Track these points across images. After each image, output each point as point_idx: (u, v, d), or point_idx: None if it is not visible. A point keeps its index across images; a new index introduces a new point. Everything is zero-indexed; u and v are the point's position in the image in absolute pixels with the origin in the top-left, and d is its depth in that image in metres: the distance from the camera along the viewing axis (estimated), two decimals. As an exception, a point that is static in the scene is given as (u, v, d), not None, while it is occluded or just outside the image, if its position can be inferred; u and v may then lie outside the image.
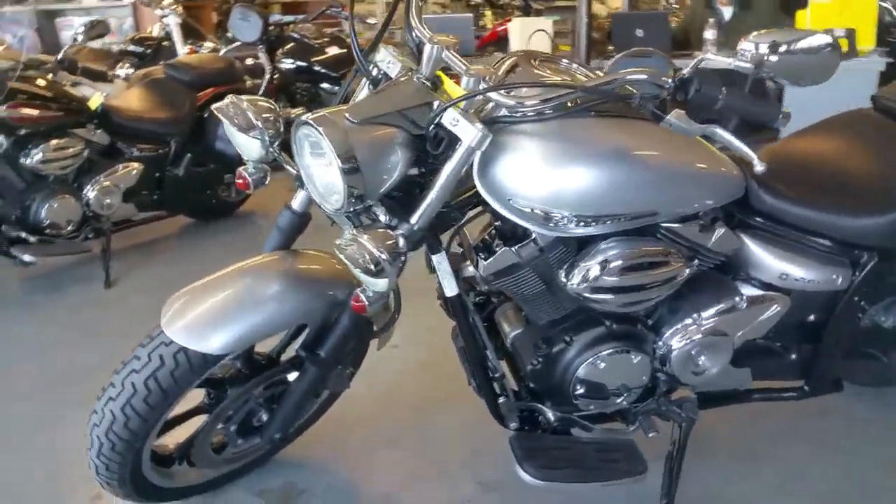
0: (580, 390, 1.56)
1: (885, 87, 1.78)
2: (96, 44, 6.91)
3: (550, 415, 1.61)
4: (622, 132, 1.37)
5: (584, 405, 1.60)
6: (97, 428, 1.38)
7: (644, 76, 1.27)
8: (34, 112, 2.75)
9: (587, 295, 1.42)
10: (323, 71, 4.39)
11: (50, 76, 2.93)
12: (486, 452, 1.86)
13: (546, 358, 1.56)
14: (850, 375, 1.91)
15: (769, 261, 1.60)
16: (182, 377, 1.35)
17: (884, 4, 4.70)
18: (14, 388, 2.23)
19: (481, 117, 1.31)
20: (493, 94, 1.29)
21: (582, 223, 1.34)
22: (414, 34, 1.42)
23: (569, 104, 1.32)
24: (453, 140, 1.30)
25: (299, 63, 4.42)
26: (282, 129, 1.41)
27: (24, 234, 2.89)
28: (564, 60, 1.53)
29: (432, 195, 1.32)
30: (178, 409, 1.52)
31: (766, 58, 1.21)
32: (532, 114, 1.31)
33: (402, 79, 1.35)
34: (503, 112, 1.32)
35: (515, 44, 4.72)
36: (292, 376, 1.57)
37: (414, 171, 1.37)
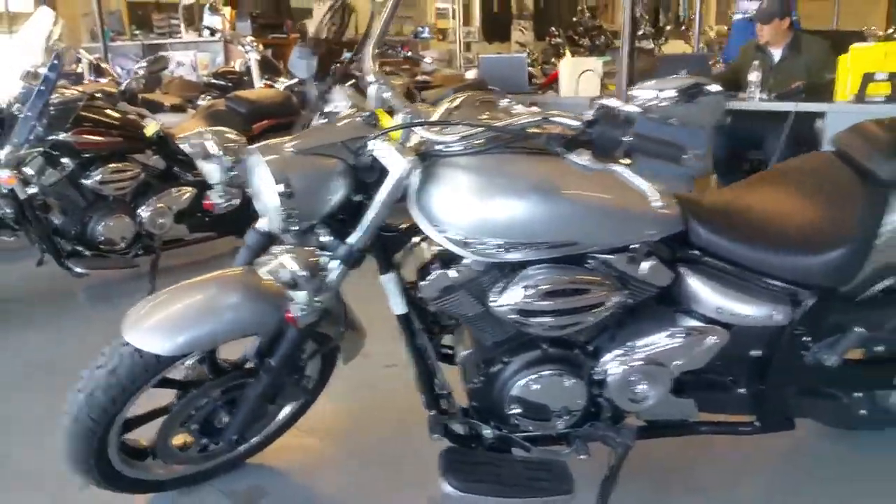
0: (515, 410, 1.65)
1: (844, 130, 1.79)
2: (192, 76, 7.54)
3: (488, 432, 1.70)
4: (541, 168, 1.47)
5: (523, 425, 1.68)
6: (65, 416, 1.57)
7: (554, 118, 1.38)
8: (96, 138, 3.09)
9: (512, 317, 1.53)
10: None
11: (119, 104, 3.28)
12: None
13: (485, 377, 1.67)
14: (812, 414, 1.90)
15: (707, 295, 1.65)
16: (137, 375, 1.53)
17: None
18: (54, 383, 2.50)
19: (418, 151, 1.46)
20: (418, 130, 1.44)
21: (504, 250, 1.45)
22: (365, 75, 1.58)
23: (485, 140, 1.44)
24: (384, 171, 1.45)
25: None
26: (242, 157, 1.60)
27: (80, 248, 3.23)
28: (506, 100, 1.65)
29: (366, 220, 1.47)
30: (150, 406, 1.72)
31: (651, 103, 1.29)
32: (457, 148, 1.44)
33: (345, 115, 1.52)
34: (435, 147, 1.46)
35: (564, 84, 4.85)
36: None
37: (359, 198, 1.53)
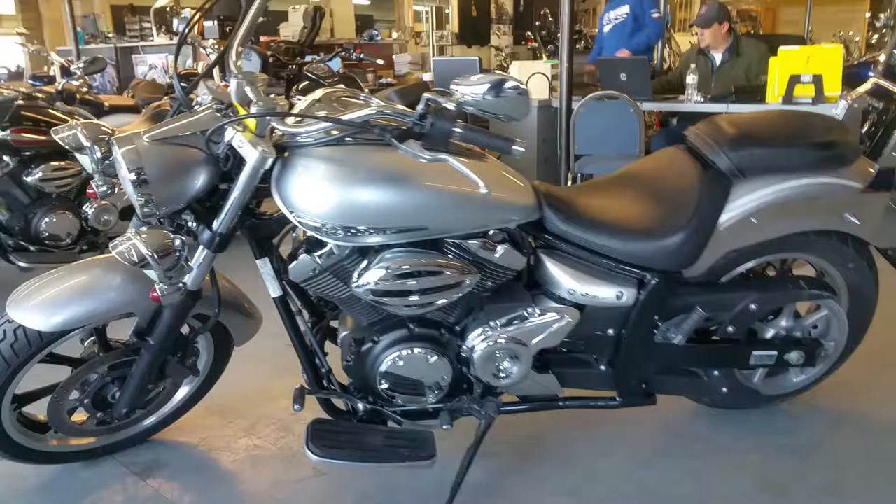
0: (385, 385, 1.77)
1: (695, 125, 1.91)
2: (164, 79, 7.60)
3: (361, 406, 1.82)
4: (381, 158, 1.56)
5: (396, 400, 1.80)
6: None
7: (387, 111, 1.49)
8: (33, 136, 3.21)
9: (371, 298, 1.64)
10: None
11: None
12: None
13: (356, 355, 1.78)
14: (673, 390, 2.02)
15: (561, 278, 1.78)
16: (21, 349, 1.66)
17: None
18: None
19: (276, 143, 1.58)
20: (275, 122, 1.55)
21: (356, 234, 1.57)
22: (228, 71, 1.69)
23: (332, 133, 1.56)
24: (244, 161, 1.57)
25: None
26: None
27: (24, 244, 3.34)
28: (363, 97, 1.77)
29: (228, 206, 1.59)
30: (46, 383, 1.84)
31: (465, 97, 1.41)
32: (307, 140, 1.56)
33: (204, 107, 1.64)
34: (289, 139, 1.58)
35: (513, 85, 4.96)
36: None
37: (225, 186, 1.65)
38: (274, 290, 1.75)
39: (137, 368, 1.80)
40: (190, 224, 1.65)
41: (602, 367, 1.90)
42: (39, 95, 3.37)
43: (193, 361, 1.95)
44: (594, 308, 1.80)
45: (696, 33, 4.71)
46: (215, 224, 1.61)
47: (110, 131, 1.70)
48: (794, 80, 3.81)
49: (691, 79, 4.29)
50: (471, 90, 1.40)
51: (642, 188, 1.86)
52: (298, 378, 1.88)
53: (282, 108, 1.61)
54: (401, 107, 1.51)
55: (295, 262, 1.66)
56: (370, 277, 1.61)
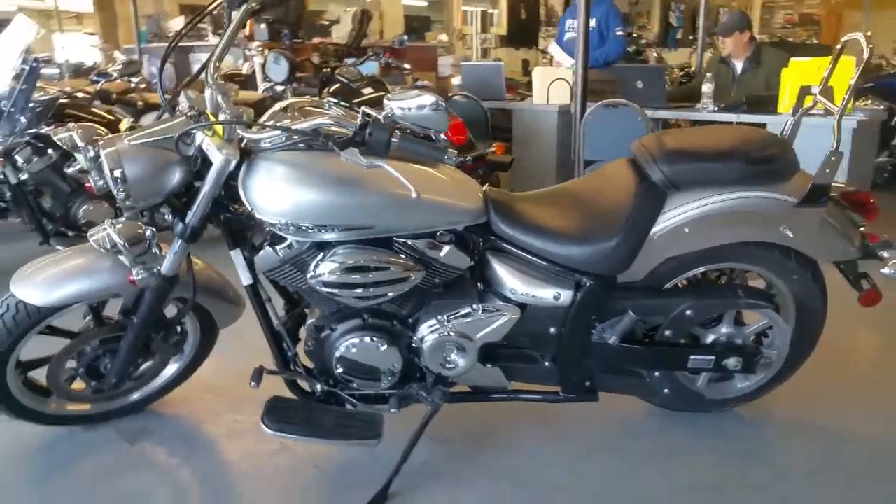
0: (340, 370, 1.94)
1: (640, 138, 2.01)
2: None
3: (319, 388, 2.00)
4: (329, 163, 1.72)
5: (353, 384, 1.97)
6: None
7: (331, 122, 1.66)
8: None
9: (324, 289, 1.82)
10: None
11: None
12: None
13: (316, 341, 1.96)
14: (616, 389, 2.12)
15: (504, 277, 1.92)
16: (21, 321, 1.90)
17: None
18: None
19: (242, 147, 1.77)
20: (240, 129, 1.74)
21: (311, 231, 1.75)
22: (206, 82, 1.88)
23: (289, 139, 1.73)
24: (210, 162, 1.77)
25: (341, 102, 5.03)
26: None
27: (64, 229, 3.66)
28: (326, 106, 1.94)
29: (198, 202, 1.80)
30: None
31: (392, 112, 1.57)
32: (266, 145, 1.75)
33: (180, 114, 1.84)
34: (252, 144, 1.77)
35: (536, 92, 5.09)
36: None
37: (199, 184, 1.85)
38: (245, 279, 1.94)
39: (124, 343, 2.02)
40: (167, 217, 1.86)
41: (546, 364, 2.03)
42: (80, 95, 3.67)
43: (177, 341, 2.17)
44: (535, 307, 1.94)
45: (719, 42, 4.72)
46: (188, 217, 1.82)
47: (103, 133, 1.93)
48: (805, 90, 3.80)
49: (707, 87, 4.33)
50: (397, 105, 1.57)
51: (586, 197, 1.98)
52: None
53: (248, 118, 1.80)
54: (345, 119, 1.67)
55: (260, 254, 1.85)
56: (323, 270, 1.79)
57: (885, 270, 1.94)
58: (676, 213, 1.87)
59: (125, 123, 3.68)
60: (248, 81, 5.97)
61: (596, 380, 2.07)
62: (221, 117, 1.76)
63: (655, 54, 8.30)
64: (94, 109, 3.66)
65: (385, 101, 1.60)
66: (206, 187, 1.77)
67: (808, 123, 3.74)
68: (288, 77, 4.50)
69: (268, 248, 1.84)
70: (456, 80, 5.73)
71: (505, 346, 2.02)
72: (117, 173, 1.73)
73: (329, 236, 1.77)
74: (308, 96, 5.12)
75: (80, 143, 1.88)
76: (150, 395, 2.29)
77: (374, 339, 1.91)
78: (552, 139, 4.96)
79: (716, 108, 4.27)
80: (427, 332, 1.94)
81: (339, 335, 1.93)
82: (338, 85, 5.10)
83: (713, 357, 2.01)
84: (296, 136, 1.69)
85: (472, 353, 1.95)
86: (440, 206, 1.81)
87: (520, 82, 6.40)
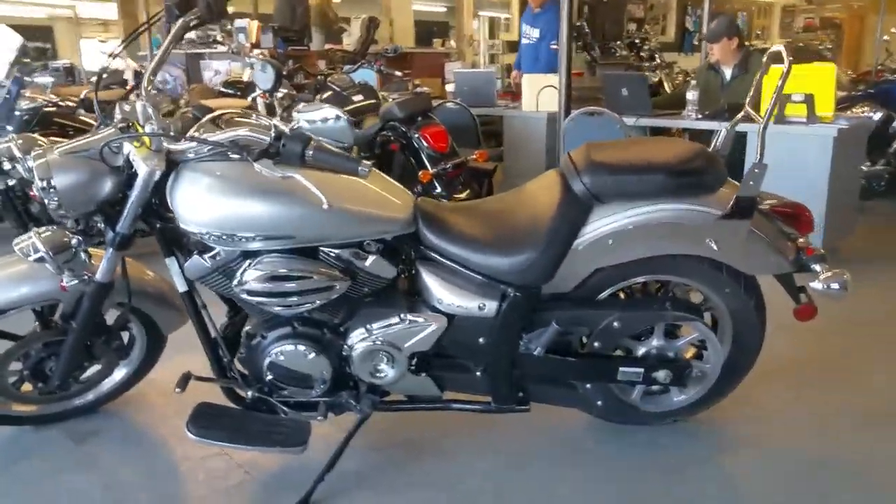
0: (270, 376, 1.97)
1: (575, 149, 2.01)
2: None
3: (251, 394, 2.03)
4: (251, 174, 1.73)
5: (286, 391, 2.00)
6: None
7: (248, 132, 1.69)
8: (58, 139, 3.60)
9: (248, 298, 1.85)
10: (350, 118, 5.01)
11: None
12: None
13: (248, 348, 2.00)
14: (549, 400, 2.12)
15: (432, 287, 1.94)
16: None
17: None
18: None
19: (168, 157, 1.81)
20: (166, 140, 1.78)
21: (235, 240, 1.78)
22: (139, 94, 1.92)
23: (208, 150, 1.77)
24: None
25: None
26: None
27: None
28: (253, 117, 1.97)
29: (126, 211, 1.85)
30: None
31: (298, 124, 1.60)
32: (190, 156, 1.79)
33: (110, 125, 1.89)
34: (177, 155, 1.81)
35: (526, 99, 5.11)
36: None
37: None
38: (180, 286, 1.98)
39: (65, 347, 2.08)
40: (100, 225, 1.91)
41: (478, 374, 2.04)
42: (65, 104, 3.77)
43: (120, 345, 2.22)
44: (461, 317, 1.95)
45: (708, 48, 4.69)
46: (118, 226, 1.86)
47: (41, 145, 1.99)
48: (785, 99, 3.78)
49: (691, 95, 4.30)
50: (304, 118, 1.60)
51: (515, 208, 1.99)
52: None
53: (175, 129, 1.84)
54: (262, 130, 1.70)
55: (189, 262, 1.89)
56: (247, 279, 1.82)
57: (815, 284, 1.93)
58: (600, 226, 1.88)
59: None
60: (249, 88, 6.07)
61: (529, 391, 2.08)
62: (147, 129, 1.80)
63: (657, 59, 8.23)
64: (80, 117, 3.75)
65: (294, 114, 1.64)
66: (133, 197, 1.82)
67: (786, 132, 3.73)
68: (274, 85, 4.58)
69: (196, 256, 1.88)
70: (450, 87, 5.76)
71: (436, 356, 2.03)
72: (47, 183, 1.78)
73: (254, 245, 1.81)
74: (304, 103, 5.23)
75: (18, 154, 1.95)
76: (100, 397, 2.35)
77: (303, 346, 1.94)
78: (541, 146, 4.96)
79: (699, 116, 4.24)
80: (356, 341, 1.96)
81: (270, 342, 1.97)
82: (330, 93, 5.16)
83: (642, 369, 2.01)
84: (216, 148, 1.73)
85: (402, 363, 1.97)
86: (362, 217, 1.83)
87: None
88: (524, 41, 6.04)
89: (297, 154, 1.67)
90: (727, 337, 2.10)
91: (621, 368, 2.00)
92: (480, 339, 1.99)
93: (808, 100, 3.70)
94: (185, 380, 1.99)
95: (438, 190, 4.19)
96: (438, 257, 1.95)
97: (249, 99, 4.85)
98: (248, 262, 1.83)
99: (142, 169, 1.78)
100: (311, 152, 1.67)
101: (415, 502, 1.95)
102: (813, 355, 2.81)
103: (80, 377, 2.24)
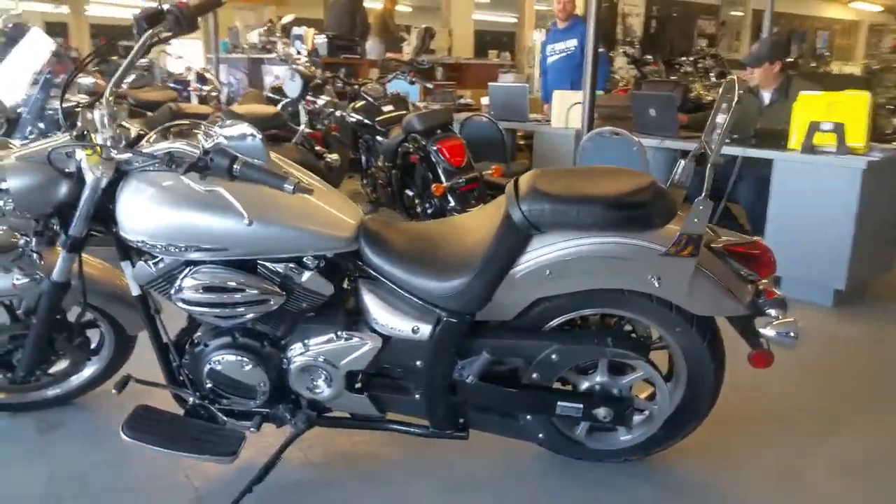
0: (210, 384, 2.01)
1: (525, 174, 1.95)
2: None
3: (191, 401, 2.07)
4: (181, 186, 1.78)
5: (222, 399, 2.03)
6: None
7: (179, 146, 1.72)
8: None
9: (182, 307, 1.89)
10: (378, 128, 5.05)
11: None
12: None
13: (191, 355, 2.04)
14: (489, 428, 2.07)
15: (369, 306, 1.94)
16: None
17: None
18: None
19: (119, 165, 1.87)
20: (115, 151, 1.84)
21: (171, 250, 1.82)
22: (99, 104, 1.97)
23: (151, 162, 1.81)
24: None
25: (364, 119, 5.13)
26: None
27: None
28: (203, 129, 1.99)
29: (76, 215, 1.91)
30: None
31: (214, 140, 1.62)
32: (136, 165, 1.83)
33: (65, 132, 1.96)
34: (128, 165, 1.86)
35: (555, 115, 5.03)
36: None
37: None
38: (134, 289, 2.03)
39: (27, 341, 2.16)
40: (56, 228, 1.98)
41: (417, 396, 2.01)
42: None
43: (83, 342, 2.29)
44: (397, 339, 1.93)
45: (748, 72, 4.48)
46: (70, 229, 1.93)
47: (12, 147, 2.09)
48: (814, 127, 3.58)
49: (720, 118, 4.10)
50: (222, 134, 1.62)
51: (460, 232, 1.96)
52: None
53: (126, 138, 1.89)
54: (193, 144, 1.73)
55: (136, 267, 1.94)
56: (183, 287, 1.86)
57: (766, 330, 1.81)
58: (538, 255, 1.82)
59: (133, 131, 3.93)
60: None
61: (469, 418, 2.03)
62: (98, 138, 1.86)
63: (711, 78, 7.96)
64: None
65: (214, 130, 1.66)
66: (82, 203, 1.88)
67: (814, 162, 3.54)
68: (301, 93, 4.67)
69: (141, 262, 1.93)
70: (485, 100, 5.73)
71: (377, 376, 2.02)
72: (1, 185, 1.87)
73: (192, 256, 1.84)
74: (338, 112, 5.30)
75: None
76: (71, 391, 2.43)
77: (241, 357, 1.96)
78: (569, 162, 4.86)
79: (727, 141, 4.06)
80: (295, 355, 1.97)
81: (210, 350, 1.99)
82: (363, 102, 5.23)
83: (582, 405, 1.93)
84: (148, 160, 1.77)
85: (339, 380, 1.97)
86: (298, 233, 1.83)
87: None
88: (554, 58, 5.95)
89: (224, 168, 1.68)
90: (682, 378, 2.00)
91: (560, 402, 1.94)
92: (417, 363, 1.96)
93: (839, 129, 3.50)
94: (123, 382, 2.03)
95: (452, 204, 4.18)
96: (380, 277, 1.93)
97: (279, 107, 4.97)
98: (186, 270, 1.87)
99: (88, 176, 1.84)
100: (237, 167, 1.68)
101: (340, 521, 1.95)
102: (815, 400, 2.65)
103: (49, 370, 2.34)
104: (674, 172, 2.04)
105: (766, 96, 4.44)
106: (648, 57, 10.27)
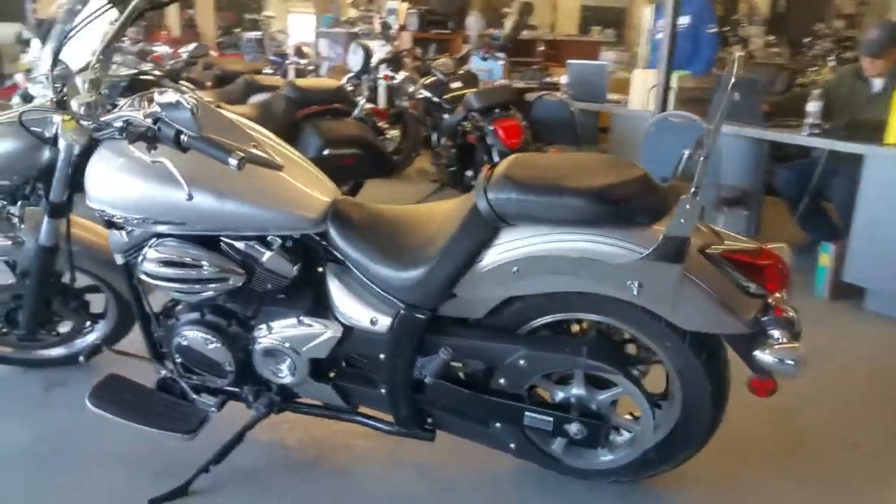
0: (179, 359, 1.97)
1: (502, 161, 1.75)
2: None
3: (162, 374, 2.04)
4: (135, 155, 1.73)
5: (191, 375, 2.00)
6: None
7: (129, 114, 1.66)
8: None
9: (147, 280, 1.86)
10: (444, 105, 4.91)
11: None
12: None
13: (164, 329, 2.01)
14: (457, 432, 1.92)
15: (331, 292, 1.84)
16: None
17: None
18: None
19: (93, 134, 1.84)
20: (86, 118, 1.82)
21: (133, 222, 1.79)
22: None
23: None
24: None
25: (431, 96, 5.01)
26: None
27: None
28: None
29: (54, 182, 1.92)
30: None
31: (154, 110, 1.54)
32: (105, 133, 1.80)
33: (45, 99, 1.95)
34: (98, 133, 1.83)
35: (634, 97, 4.71)
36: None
37: None
38: (118, 258, 2.03)
39: (24, 301, 2.22)
40: (41, 194, 2.00)
41: (382, 391, 1.89)
42: (153, 74, 4.03)
43: (78, 306, 2.33)
44: (357, 329, 1.81)
45: (866, 61, 3.94)
46: (50, 195, 1.94)
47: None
48: (914, 118, 3.11)
49: (812, 106, 3.67)
50: (158, 103, 1.54)
51: (431, 220, 1.80)
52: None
53: (101, 107, 1.86)
54: (142, 112, 1.65)
55: (110, 236, 1.93)
56: (145, 258, 1.82)
57: (763, 355, 1.54)
58: (505, 250, 1.64)
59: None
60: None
61: (436, 419, 1.89)
62: (74, 104, 1.84)
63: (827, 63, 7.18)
64: (164, 85, 3.99)
65: (154, 99, 1.58)
66: (57, 168, 1.88)
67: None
68: (364, 66, 4.59)
69: (114, 231, 1.90)
70: (563, 79, 5.45)
71: (344, 366, 1.92)
72: None
73: (159, 228, 1.80)
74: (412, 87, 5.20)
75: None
76: (74, 353, 2.46)
77: (207, 334, 1.90)
78: (643, 148, 4.54)
79: (816, 131, 3.62)
80: (260, 337, 1.89)
81: (180, 325, 1.95)
82: (433, 78, 5.10)
83: (551, 418, 1.74)
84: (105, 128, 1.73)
85: (302, 366, 1.88)
86: (258, 210, 1.75)
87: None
88: (659, 36, 5.53)
89: (170, 139, 1.61)
90: (677, 399, 1.76)
91: (528, 413, 1.76)
92: (381, 356, 1.83)
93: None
94: (93, 350, 2.04)
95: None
96: (343, 262, 1.82)
97: (345, 80, 4.92)
98: (151, 242, 1.83)
99: (61, 143, 1.83)
100: (184, 138, 1.60)
101: (288, 506, 1.87)
102: (870, 437, 2.30)
103: (55, 330, 2.40)
104: (676, 165, 1.79)
105: (877, 84, 3.93)
106: (771, 38, 9.47)
